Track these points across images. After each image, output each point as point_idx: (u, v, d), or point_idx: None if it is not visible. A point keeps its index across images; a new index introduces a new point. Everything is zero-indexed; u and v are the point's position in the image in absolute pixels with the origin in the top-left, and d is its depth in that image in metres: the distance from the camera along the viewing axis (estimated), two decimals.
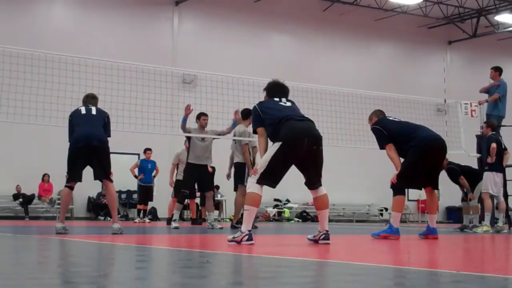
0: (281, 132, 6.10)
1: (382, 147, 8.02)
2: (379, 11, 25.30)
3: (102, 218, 19.95)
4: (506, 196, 13.57)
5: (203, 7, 23.32)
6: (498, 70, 13.31)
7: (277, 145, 6.08)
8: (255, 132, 6.50)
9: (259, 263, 4.46)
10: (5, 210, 19.89)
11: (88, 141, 8.14)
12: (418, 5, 25.33)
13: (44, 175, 19.78)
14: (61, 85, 12.74)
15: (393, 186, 7.87)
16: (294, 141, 6.07)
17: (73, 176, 8.26)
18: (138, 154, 21.82)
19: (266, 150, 6.25)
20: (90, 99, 8.79)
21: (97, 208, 20.58)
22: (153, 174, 16.84)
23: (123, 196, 21.82)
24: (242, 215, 6.79)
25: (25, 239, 7.56)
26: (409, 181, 7.94)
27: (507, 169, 13.30)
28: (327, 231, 6.33)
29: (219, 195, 20.70)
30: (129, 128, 13.35)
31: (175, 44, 22.57)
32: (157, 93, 13.47)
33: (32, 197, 19.70)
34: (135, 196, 21.96)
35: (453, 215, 26.40)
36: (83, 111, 8.49)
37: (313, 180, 6.34)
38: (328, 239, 6.29)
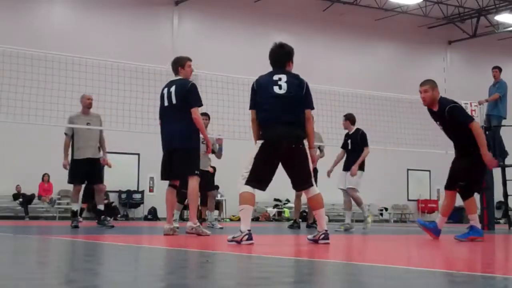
0: (262, 130, 6.19)
1: (471, 121, 7.43)
2: (379, 11, 25.31)
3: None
4: (506, 196, 13.57)
5: (203, 7, 23.32)
6: (500, 70, 13.39)
7: (259, 144, 6.15)
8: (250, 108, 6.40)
9: (259, 263, 4.45)
10: (5, 210, 19.90)
11: (169, 145, 7.74)
12: (418, 5, 25.35)
13: (44, 175, 19.78)
14: (61, 85, 12.76)
15: (470, 189, 7.59)
16: (272, 142, 6.11)
17: (164, 173, 7.90)
18: (138, 154, 21.87)
19: (258, 136, 6.25)
20: (173, 67, 7.96)
21: (105, 207, 20.55)
22: None
23: (123, 196, 21.82)
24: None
25: (25, 239, 7.56)
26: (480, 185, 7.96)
27: (507, 169, 13.30)
28: (326, 230, 6.28)
29: (219, 195, 20.69)
30: (129, 128, 13.38)
31: (175, 44, 22.57)
32: (157, 93, 13.44)
33: (32, 197, 19.71)
34: (135, 196, 21.99)
35: (453, 215, 26.37)
36: (165, 101, 7.77)
37: (302, 181, 6.28)
38: (328, 238, 6.25)
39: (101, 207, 10.93)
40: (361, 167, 11.19)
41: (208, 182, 11.44)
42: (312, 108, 6.38)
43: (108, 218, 11.17)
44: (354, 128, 11.37)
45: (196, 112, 7.70)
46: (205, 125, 11.52)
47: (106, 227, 10.65)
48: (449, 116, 7.42)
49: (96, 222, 11.25)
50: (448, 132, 7.70)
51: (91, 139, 10.47)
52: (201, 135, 7.97)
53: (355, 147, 11.19)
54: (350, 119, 11.47)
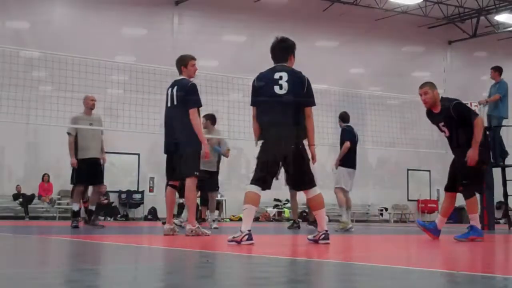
0: (262, 131, 6.20)
1: (476, 117, 7.40)
2: (379, 11, 25.30)
3: (102, 218, 19.92)
4: (506, 196, 13.56)
5: (203, 7, 23.31)
6: (498, 70, 13.29)
7: (260, 143, 6.17)
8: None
9: (259, 263, 4.45)
10: (5, 210, 19.88)
11: (171, 145, 7.74)
12: (418, 5, 25.33)
13: (44, 175, 19.78)
14: (61, 85, 12.75)
15: (473, 188, 7.55)
16: (272, 143, 6.12)
17: (167, 173, 7.94)
18: (138, 154, 21.87)
19: (258, 135, 6.25)
20: (177, 66, 7.89)
21: (96, 208, 20.54)
22: None
23: (123, 196, 21.81)
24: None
25: (25, 239, 7.56)
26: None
27: (507, 169, 13.29)
28: (326, 231, 6.27)
29: (219, 195, 20.67)
30: (129, 128, 13.38)
31: (175, 44, 22.57)
32: (157, 93, 13.47)
33: (32, 197, 19.69)
34: (135, 196, 21.97)
35: (453, 214, 26.36)
36: (169, 101, 7.75)
37: (302, 181, 6.27)
38: (328, 238, 6.25)
39: (92, 207, 10.98)
40: (350, 165, 11.18)
41: (211, 183, 11.44)
42: (313, 104, 6.34)
43: (99, 217, 11.18)
44: (344, 126, 11.53)
45: (193, 113, 7.61)
46: (206, 128, 11.48)
47: (97, 227, 10.74)
48: (455, 112, 7.37)
49: (87, 222, 11.27)
50: (452, 131, 7.59)
51: (94, 139, 10.50)
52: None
53: (342, 144, 11.33)
54: (340, 117, 11.66)
